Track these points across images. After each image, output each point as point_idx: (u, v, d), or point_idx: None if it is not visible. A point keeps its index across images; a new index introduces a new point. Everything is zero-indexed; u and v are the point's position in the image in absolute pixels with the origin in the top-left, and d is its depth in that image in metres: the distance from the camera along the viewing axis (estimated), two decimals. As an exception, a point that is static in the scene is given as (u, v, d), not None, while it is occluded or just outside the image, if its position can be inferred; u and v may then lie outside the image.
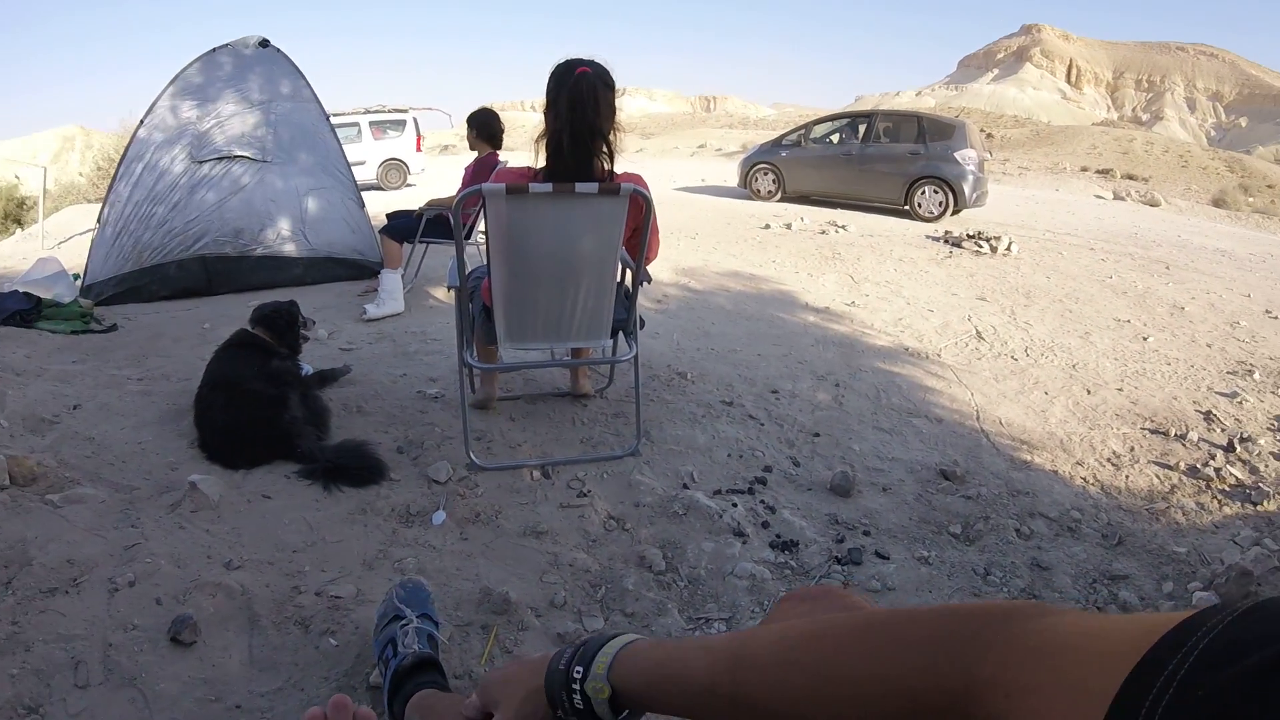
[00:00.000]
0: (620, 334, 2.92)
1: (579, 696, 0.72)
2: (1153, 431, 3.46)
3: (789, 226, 8.74)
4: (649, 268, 2.83)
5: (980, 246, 7.65)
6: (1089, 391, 3.92)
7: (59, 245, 6.17)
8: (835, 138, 12.56)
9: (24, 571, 1.92)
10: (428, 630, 1.69)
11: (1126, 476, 3.03)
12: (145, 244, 4.82)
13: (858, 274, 6.46)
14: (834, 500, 2.65)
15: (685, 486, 2.66)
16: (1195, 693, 0.36)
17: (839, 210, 10.95)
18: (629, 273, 2.83)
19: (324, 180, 5.37)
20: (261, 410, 2.64)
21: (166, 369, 3.43)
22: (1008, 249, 7.62)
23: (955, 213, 10.57)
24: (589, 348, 2.98)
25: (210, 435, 2.64)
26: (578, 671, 0.72)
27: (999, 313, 5.38)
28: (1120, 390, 3.96)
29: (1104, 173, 22.95)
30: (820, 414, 3.38)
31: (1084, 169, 23.80)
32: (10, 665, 1.65)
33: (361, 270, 5.36)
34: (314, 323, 3.44)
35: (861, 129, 12.11)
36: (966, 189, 10.34)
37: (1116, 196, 18.13)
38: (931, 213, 10.46)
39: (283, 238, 5.20)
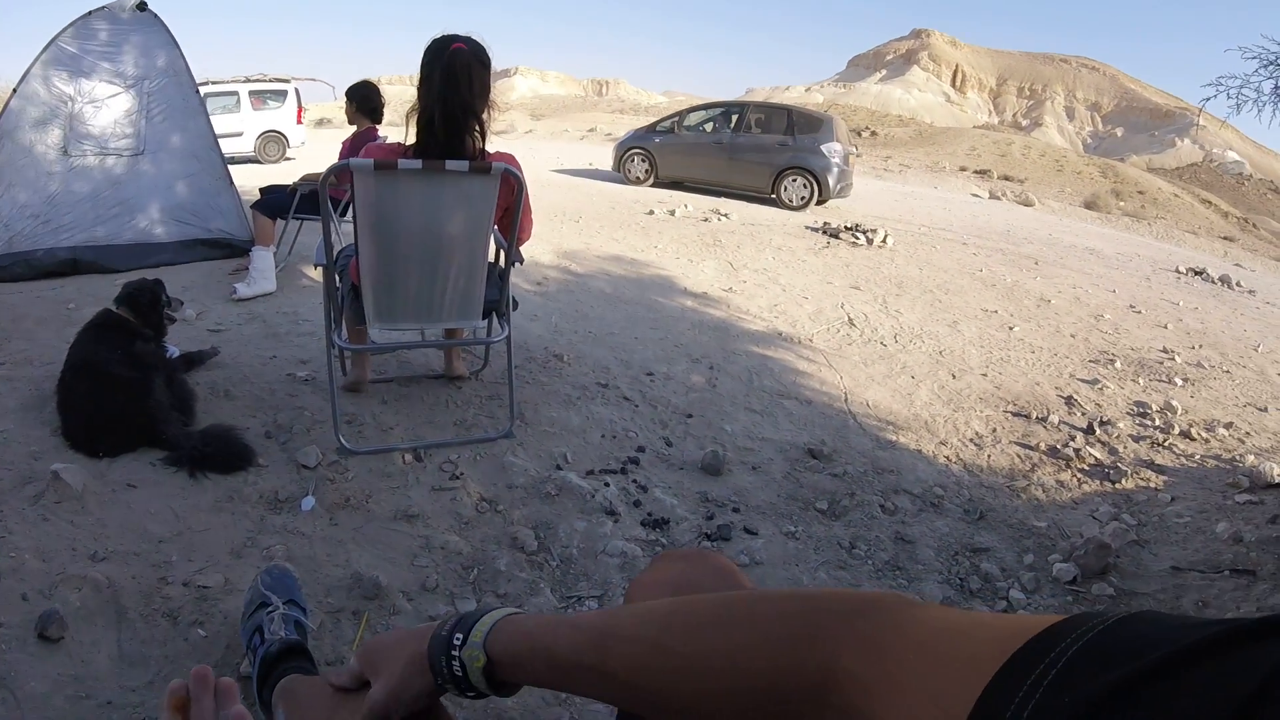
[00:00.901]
0: (493, 315, 2.92)
1: (457, 664, 0.73)
2: (1015, 414, 3.71)
3: (673, 213, 8.86)
4: (522, 248, 2.84)
5: (857, 238, 7.96)
6: (954, 376, 4.15)
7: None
8: (709, 126, 12.93)
9: None
10: (295, 616, 1.67)
11: (989, 456, 3.24)
12: (16, 231, 4.57)
13: (737, 261, 6.62)
14: (705, 479, 2.74)
15: (558, 467, 2.69)
16: (1060, 700, 0.35)
17: (722, 199, 11.19)
18: (502, 253, 2.84)
19: (193, 165, 5.24)
20: (124, 396, 2.53)
21: (29, 353, 3.23)
22: (883, 241, 7.95)
23: (820, 203, 11.14)
24: (461, 328, 2.97)
25: (72, 422, 2.52)
26: (457, 639, 0.74)
27: (871, 301, 5.63)
28: (985, 375, 4.22)
29: (982, 173, 24.18)
30: (694, 396, 3.47)
31: (963, 169, 25.02)
32: None
33: (233, 250, 5.19)
34: (181, 303, 3.30)
35: (734, 119, 12.58)
36: (830, 180, 10.95)
37: (992, 196, 19.19)
38: (796, 202, 11.01)
39: (153, 222, 5.06)
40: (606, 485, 2.61)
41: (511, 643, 0.71)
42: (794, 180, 11.12)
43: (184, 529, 2.16)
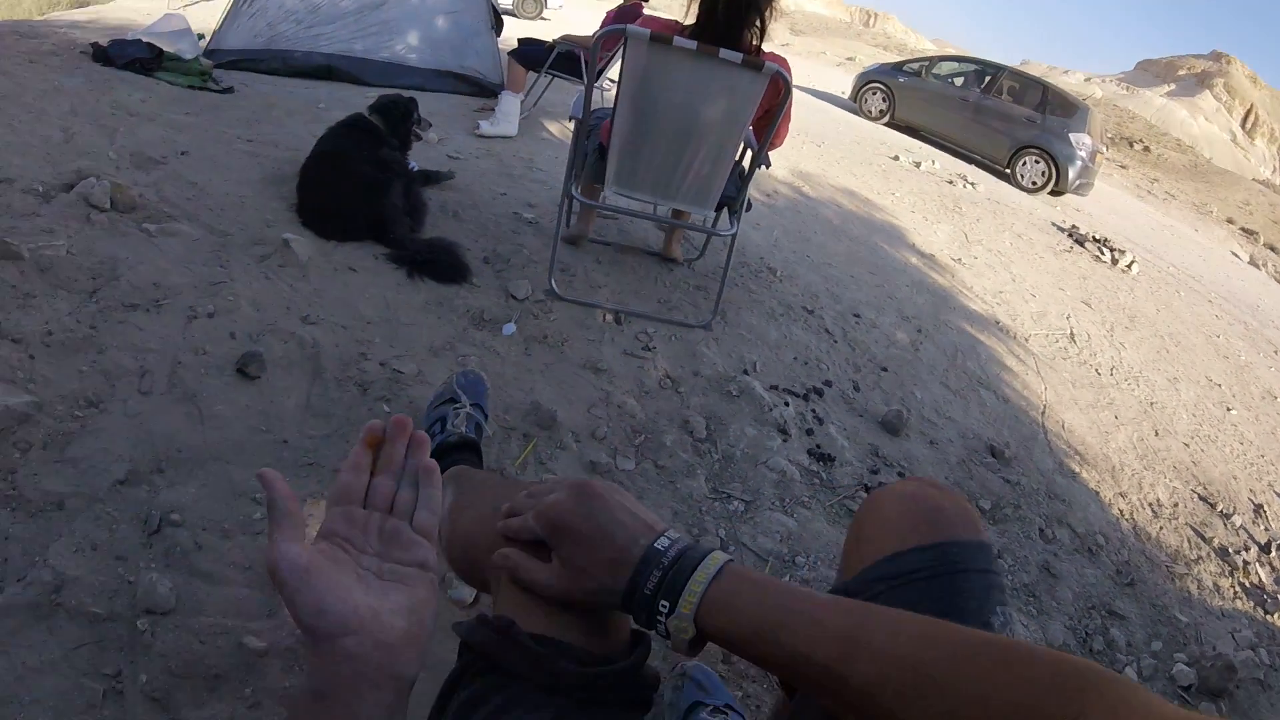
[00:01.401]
0: (725, 210, 2.95)
1: (661, 628, 0.72)
2: (1201, 499, 3.46)
3: (918, 165, 8.50)
4: (770, 154, 2.83)
5: (1102, 254, 7.41)
6: (1157, 434, 3.89)
7: (186, 6, 6.18)
8: (958, 80, 12.23)
9: (110, 285, 2.07)
10: (477, 419, 1.81)
11: (1161, 528, 3.05)
12: (278, 31, 4.88)
13: (972, 234, 6.32)
14: (881, 434, 2.72)
15: (745, 372, 2.74)
16: None
17: (972, 166, 10.60)
18: (749, 153, 2.83)
19: (458, 3, 5.40)
20: (364, 191, 2.76)
21: (276, 137, 3.52)
22: (1128, 266, 7.38)
23: (1055, 193, 10.41)
24: (691, 214, 3.01)
25: (310, 203, 2.76)
26: (663, 606, 0.71)
27: (1098, 324, 5.28)
28: (1187, 446, 3.92)
29: (1249, 233, 21.70)
30: (893, 351, 3.41)
31: (1230, 221, 22.53)
32: (81, 363, 1.81)
33: (481, 89, 5.38)
34: (429, 124, 3.50)
35: (986, 79, 11.84)
36: (1071, 172, 10.21)
37: (1252, 262, 17.21)
38: (1030, 184, 10.33)
39: (409, 48, 5.28)
40: (786, 405, 2.64)
41: (728, 624, 0.68)
42: (1033, 160, 10.43)
43: (391, 318, 2.36)
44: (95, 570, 1.41)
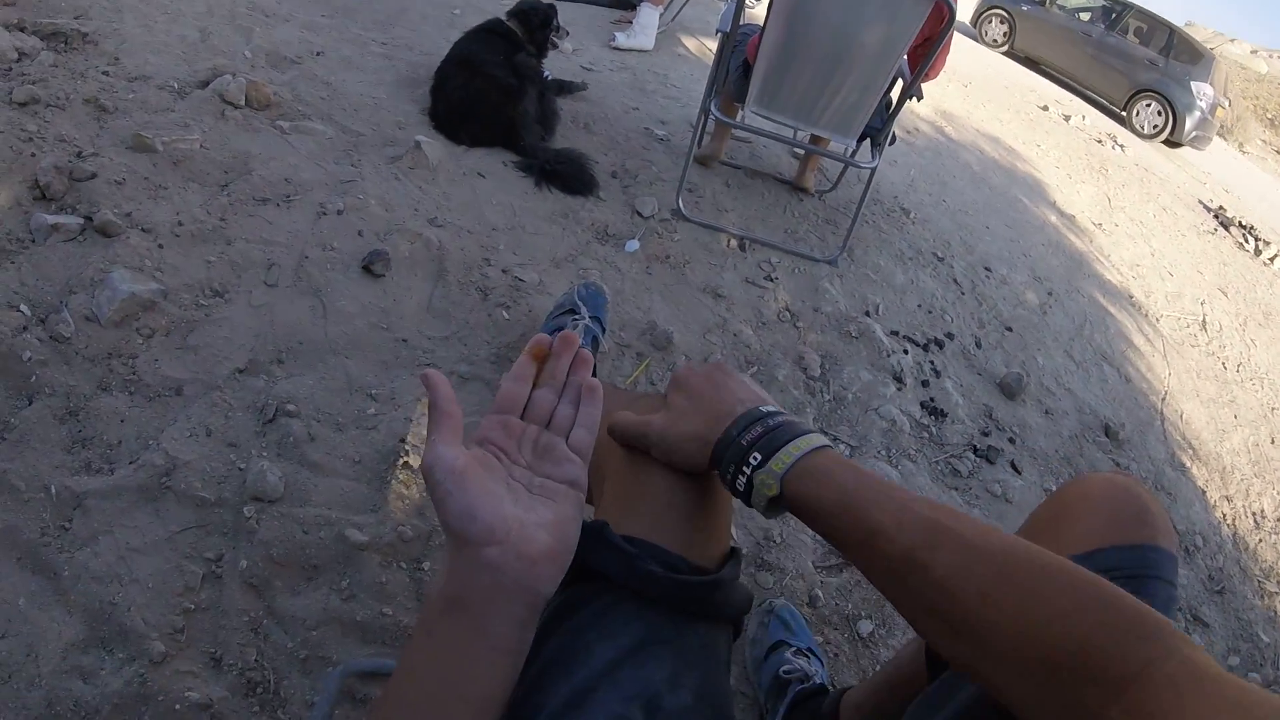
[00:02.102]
0: (867, 141, 2.85)
1: (743, 480, 0.72)
2: None
3: (1067, 119, 8.04)
4: (925, 85, 2.70)
5: (1246, 241, 6.97)
6: (1273, 441, 3.70)
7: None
8: (1085, 15, 11.71)
9: (242, 179, 2.10)
10: (595, 332, 1.83)
11: (1260, 540, 2.94)
12: None
13: (1116, 200, 5.99)
14: (997, 396, 2.66)
15: (867, 314, 2.69)
16: None
17: (1123, 129, 9.99)
18: (899, 83, 2.71)
19: None
20: (498, 95, 2.72)
21: (410, 41, 3.48)
22: (1271, 259, 6.93)
23: (1171, 143, 10.10)
24: (832, 141, 2.91)
25: (443, 106, 2.74)
26: (755, 458, 0.71)
27: (1232, 315, 5.00)
28: (1302, 460, 3.74)
29: None
30: (1021, 312, 3.29)
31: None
32: (209, 253, 1.85)
33: (620, 1, 5.20)
34: (567, 32, 3.42)
35: (1114, 15, 11.38)
36: (1189, 122, 9.91)
37: None
38: (1146, 129, 10.05)
39: None
40: (905, 352, 2.59)
41: (816, 489, 0.68)
42: (1149, 105, 10.12)
43: (517, 226, 2.36)
44: (207, 456, 1.45)
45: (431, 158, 2.46)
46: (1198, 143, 10.48)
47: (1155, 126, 10.05)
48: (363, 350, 1.78)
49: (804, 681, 1.40)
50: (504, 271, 2.16)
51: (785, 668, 1.43)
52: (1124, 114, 10.34)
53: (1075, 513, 0.86)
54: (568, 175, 2.64)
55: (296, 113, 2.50)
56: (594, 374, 1.75)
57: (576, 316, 1.85)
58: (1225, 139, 15.05)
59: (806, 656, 1.49)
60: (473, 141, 2.69)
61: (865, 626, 1.71)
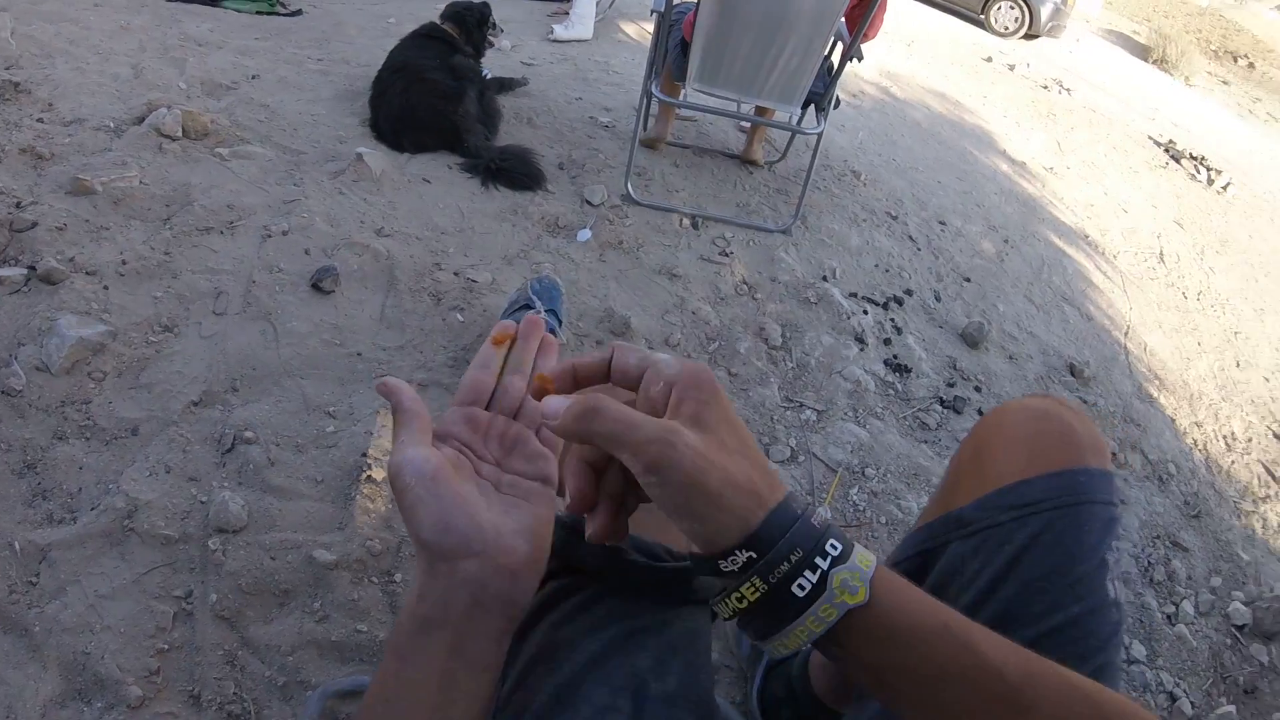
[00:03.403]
0: (811, 107, 2.84)
1: (809, 579, 0.49)
2: (1276, 436, 3.35)
3: (1012, 67, 8.06)
4: (864, 46, 2.70)
5: (1197, 172, 7.03)
6: (1238, 365, 3.75)
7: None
8: None
9: (184, 211, 2.07)
10: (551, 325, 1.82)
11: (1233, 462, 2.97)
12: None
13: (1066, 144, 6.02)
14: (960, 346, 2.67)
15: (824, 279, 2.69)
16: None
17: (1067, 72, 10.05)
18: (839, 46, 2.71)
19: None
20: (438, 99, 2.71)
21: (347, 54, 3.46)
22: (1224, 188, 7.00)
23: (1030, 36, 10.60)
24: (776, 111, 2.91)
25: (383, 116, 2.72)
26: (834, 547, 0.49)
27: (1189, 246, 5.05)
28: (1267, 381, 3.77)
29: (1365, 170, 20.36)
30: (978, 262, 3.31)
31: (1342, 152, 21.15)
32: (155, 289, 1.82)
33: None
34: (502, 30, 3.41)
35: None
36: (1044, 13, 10.46)
37: None
38: (1004, 28, 10.59)
39: None
40: (865, 313, 2.60)
41: (911, 600, 0.51)
42: (1007, 5, 10.65)
43: (466, 227, 2.35)
44: (168, 493, 1.44)
45: (374, 168, 2.44)
46: (1054, 31, 11.06)
47: (1015, 21, 10.63)
48: (318, 369, 1.77)
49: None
50: (455, 274, 2.15)
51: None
52: (981, 17, 10.86)
53: (995, 446, 0.82)
54: (514, 171, 2.63)
55: (235, 138, 2.48)
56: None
57: (531, 310, 1.84)
58: (1170, 73, 15.17)
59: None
60: (416, 148, 2.67)
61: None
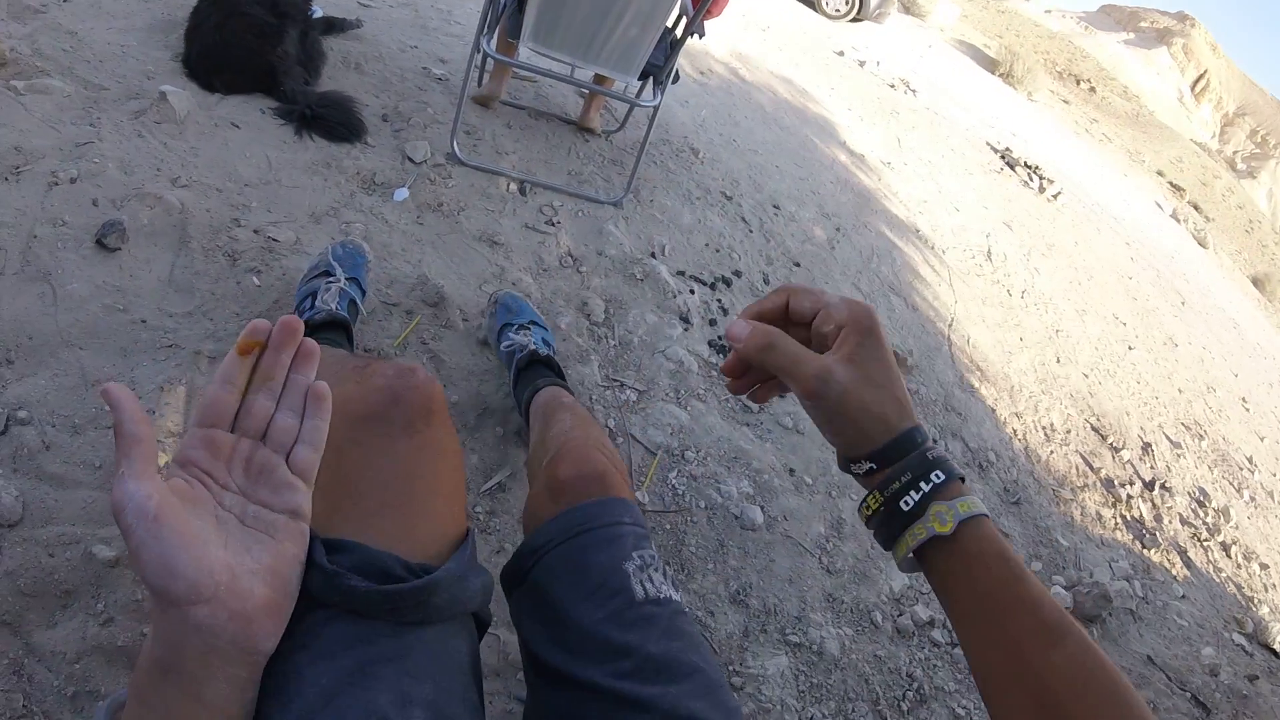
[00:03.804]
0: (650, 80, 2.82)
1: (912, 498, 0.62)
2: (1094, 429, 3.60)
3: (862, 64, 8.40)
4: (711, 24, 2.69)
5: (1031, 180, 7.55)
6: (1059, 360, 4.02)
7: None
8: None
9: None
10: (351, 295, 1.71)
11: (1051, 452, 3.17)
12: None
13: (906, 141, 6.31)
14: (785, 331, 2.71)
15: (653, 255, 2.67)
16: None
17: (915, 74, 10.56)
18: (683, 20, 2.70)
19: None
20: (254, 37, 2.50)
21: None
22: (1054, 196, 7.54)
23: (857, 19, 11.38)
24: (613, 80, 2.87)
25: (195, 52, 2.50)
26: (938, 476, 0.62)
27: (1016, 246, 5.39)
28: (1086, 377, 4.07)
29: (1176, 188, 22.47)
30: (809, 248, 3.40)
31: (1160, 173, 23.29)
32: None
33: None
34: None
35: None
36: (872, 1, 11.22)
37: (1174, 216, 17.81)
38: (833, 11, 11.28)
39: None
40: (691, 292, 2.59)
41: (988, 539, 0.61)
42: None
43: (273, 180, 2.19)
44: None
45: (179, 109, 2.22)
46: (880, 18, 11.78)
47: (845, 4, 11.20)
48: (98, 338, 1.60)
49: (522, 350, 1.76)
50: (255, 232, 1.99)
51: (505, 344, 1.80)
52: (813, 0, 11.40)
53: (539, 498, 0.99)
54: (331, 120, 2.46)
55: (35, 69, 2.20)
56: (351, 345, 1.63)
57: (331, 279, 1.71)
58: (1015, 87, 16.24)
59: (528, 328, 1.85)
60: (227, 89, 2.45)
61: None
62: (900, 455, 0.63)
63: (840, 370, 0.64)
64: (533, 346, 1.79)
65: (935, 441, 0.71)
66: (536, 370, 1.72)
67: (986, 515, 0.63)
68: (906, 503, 0.62)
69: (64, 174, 1.88)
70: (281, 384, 0.63)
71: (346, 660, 0.62)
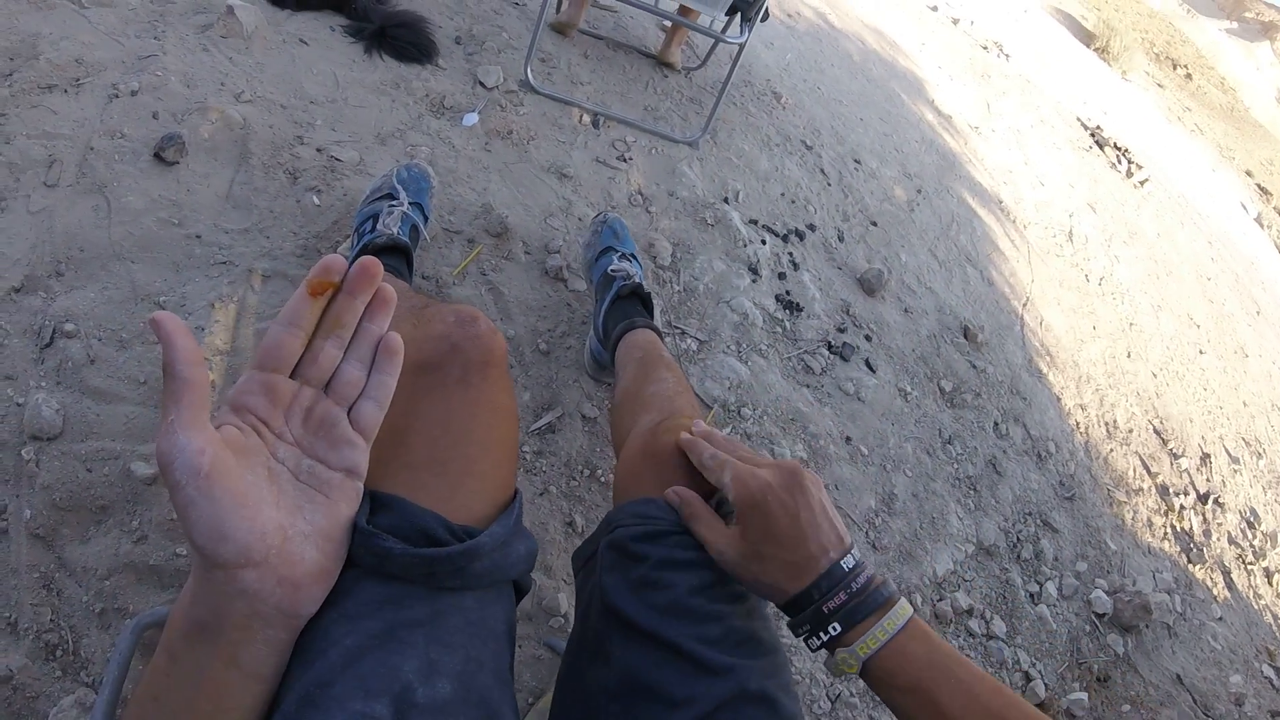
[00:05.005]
0: (739, 15, 2.71)
1: (817, 642, 0.76)
2: (1156, 432, 3.47)
3: (955, 22, 8.09)
4: None
5: (1119, 162, 7.27)
6: (1129, 355, 3.88)
7: None
8: None
9: (28, 65, 1.82)
10: (414, 220, 1.67)
11: (1111, 450, 3.06)
12: None
13: (995, 106, 6.07)
14: (856, 291, 2.63)
15: (726, 200, 2.59)
16: None
17: (1009, 38, 10.18)
18: None
19: None
20: None
21: None
22: (1142, 183, 7.26)
23: None
24: (700, 12, 2.76)
25: None
26: (834, 628, 0.74)
27: (1099, 230, 5.19)
28: (1154, 376, 3.92)
29: (1264, 191, 21.49)
30: (888, 207, 3.28)
31: (1249, 173, 22.30)
32: None
33: None
34: None
35: None
36: None
37: (1258, 220, 17.07)
38: None
39: None
40: (763, 243, 2.51)
41: (896, 671, 0.72)
42: None
43: (339, 98, 2.14)
44: None
45: (246, 24, 2.17)
46: None
47: None
48: (150, 252, 1.58)
49: (627, 279, 1.71)
50: (318, 150, 1.94)
51: (612, 267, 1.76)
52: None
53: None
54: (403, 40, 2.39)
55: None
56: (410, 273, 1.60)
57: (394, 202, 1.67)
58: (1110, 64, 15.64)
59: (630, 260, 1.82)
60: (298, 5, 2.39)
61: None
62: (799, 610, 0.76)
63: (729, 552, 0.78)
64: (638, 278, 1.76)
65: (853, 576, 0.76)
66: (634, 304, 1.66)
67: (896, 635, 0.72)
68: (812, 645, 0.76)
69: (125, 87, 1.85)
70: (351, 331, 0.59)
71: (375, 623, 0.58)
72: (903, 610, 0.74)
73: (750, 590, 0.80)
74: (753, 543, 0.77)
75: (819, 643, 0.75)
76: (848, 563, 0.76)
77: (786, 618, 0.78)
